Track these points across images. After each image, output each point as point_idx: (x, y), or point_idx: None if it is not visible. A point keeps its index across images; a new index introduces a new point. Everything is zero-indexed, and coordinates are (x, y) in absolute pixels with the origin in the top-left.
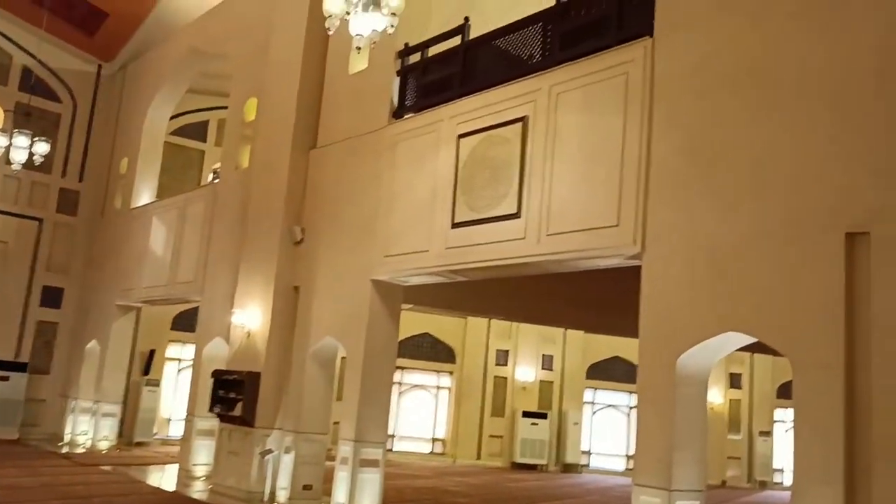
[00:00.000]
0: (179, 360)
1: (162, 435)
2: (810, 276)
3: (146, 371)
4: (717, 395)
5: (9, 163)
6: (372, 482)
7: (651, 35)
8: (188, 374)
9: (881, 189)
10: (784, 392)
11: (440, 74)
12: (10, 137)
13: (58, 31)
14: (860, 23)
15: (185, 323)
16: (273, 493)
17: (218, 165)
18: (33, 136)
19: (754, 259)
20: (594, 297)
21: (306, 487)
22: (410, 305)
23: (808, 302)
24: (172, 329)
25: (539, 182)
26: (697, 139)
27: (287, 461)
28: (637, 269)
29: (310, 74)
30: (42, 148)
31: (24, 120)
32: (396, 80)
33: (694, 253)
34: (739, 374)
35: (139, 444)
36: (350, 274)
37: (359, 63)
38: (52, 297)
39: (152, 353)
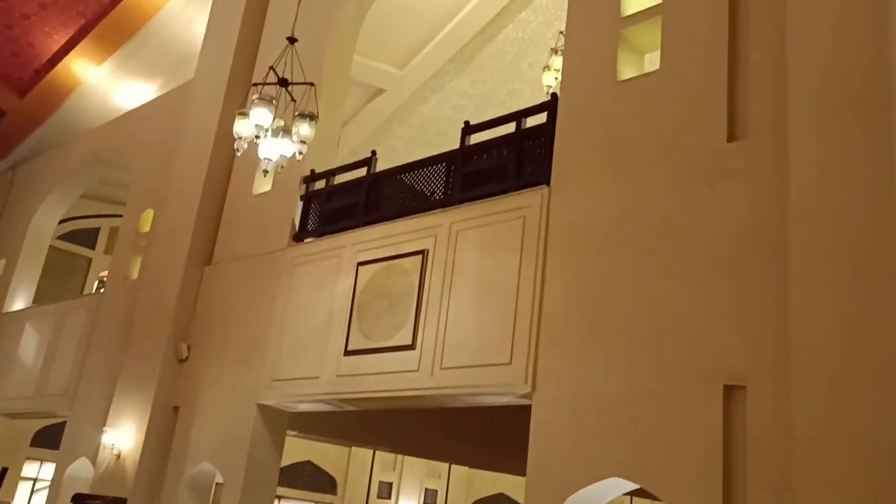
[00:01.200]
0: (36, 479)
1: None
2: (691, 426)
3: None
4: None
5: None
6: None
7: (548, 184)
8: (44, 496)
9: (756, 346)
10: None
11: (344, 202)
12: None
13: None
14: (737, 194)
15: (48, 440)
16: None
17: (105, 274)
18: None
19: (638, 408)
20: (482, 433)
21: None
22: (294, 432)
23: (689, 451)
24: (32, 445)
25: (435, 315)
26: (587, 288)
27: None
28: (528, 407)
29: (212, 190)
30: None
31: None
32: (300, 205)
33: (582, 397)
34: None
35: None
36: (235, 396)
37: (263, 184)
38: None
39: (4, 470)
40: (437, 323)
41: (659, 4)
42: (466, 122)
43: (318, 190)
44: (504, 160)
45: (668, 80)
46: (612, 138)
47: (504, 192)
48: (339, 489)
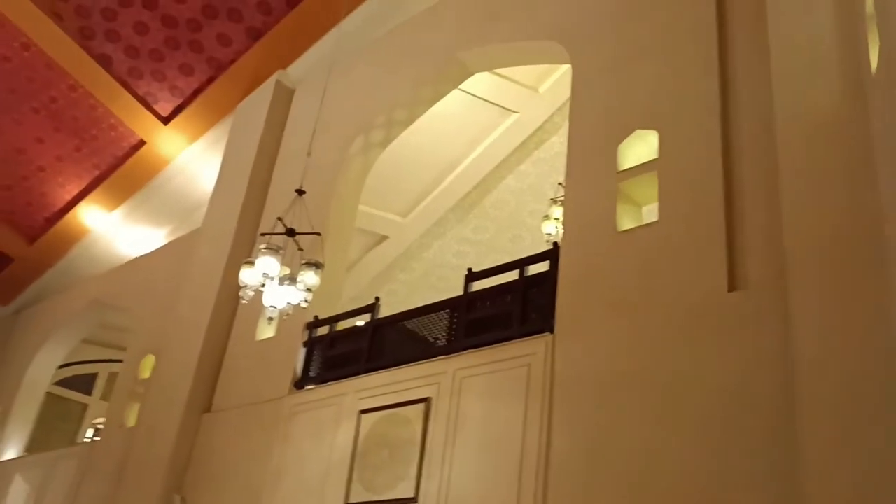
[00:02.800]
0: None
1: None
2: None
3: None
4: None
5: None
6: None
7: (552, 332)
8: None
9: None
10: None
11: (347, 348)
12: None
13: None
14: (739, 345)
15: None
16: None
17: (100, 420)
18: None
19: None
20: None
21: None
22: None
23: None
24: None
25: (438, 466)
26: (595, 439)
27: None
28: None
29: (214, 337)
30: None
31: None
32: (302, 351)
33: None
34: None
35: None
36: None
37: (266, 331)
38: None
39: None
40: (440, 475)
41: (655, 160)
42: (469, 270)
43: (321, 336)
44: (508, 307)
45: (667, 232)
46: (613, 287)
47: (508, 339)
48: None
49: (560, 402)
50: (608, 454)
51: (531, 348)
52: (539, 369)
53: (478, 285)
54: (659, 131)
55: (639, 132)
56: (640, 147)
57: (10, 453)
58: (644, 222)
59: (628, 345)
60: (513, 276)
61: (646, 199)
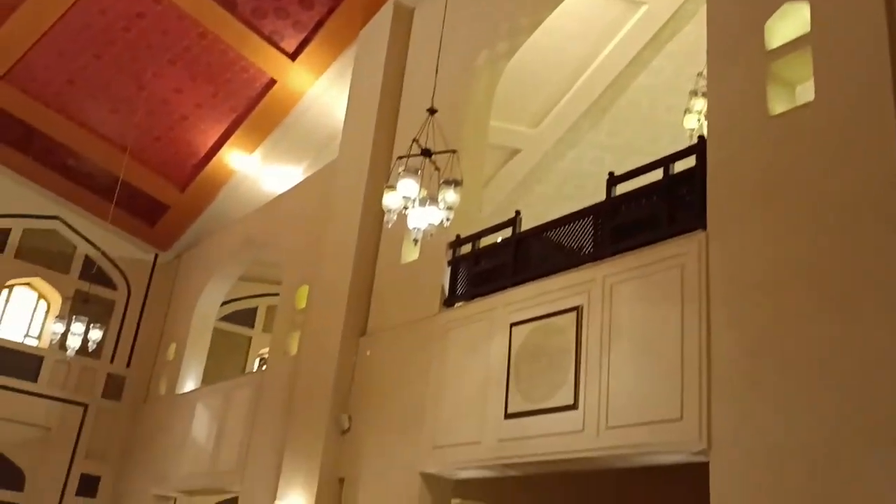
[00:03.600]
0: None
1: None
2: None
3: None
4: None
5: (62, 348)
6: None
7: (704, 229)
8: None
9: None
10: None
11: (492, 264)
12: (68, 324)
13: (121, 223)
14: None
15: None
16: None
17: (265, 351)
18: (89, 322)
19: (826, 459)
20: (646, 494)
21: None
22: (458, 500)
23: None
24: None
25: (596, 372)
26: (757, 335)
27: None
28: (697, 465)
29: (362, 263)
30: (96, 335)
31: (81, 306)
32: (448, 270)
33: (764, 451)
34: None
35: None
36: (397, 465)
37: (411, 253)
38: (88, 486)
39: None
40: (598, 380)
41: (808, 34)
42: (611, 174)
43: (465, 254)
44: (654, 208)
45: (825, 112)
46: (768, 177)
47: (657, 240)
48: None
49: (718, 301)
50: (775, 350)
51: (682, 248)
52: (693, 269)
53: (620, 190)
54: (810, 2)
55: (787, 6)
56: (790, 22)
57: (190, 385)
58: (799, 104)
59: (788, 237)
60: (656, 175)
61: (799, 77)
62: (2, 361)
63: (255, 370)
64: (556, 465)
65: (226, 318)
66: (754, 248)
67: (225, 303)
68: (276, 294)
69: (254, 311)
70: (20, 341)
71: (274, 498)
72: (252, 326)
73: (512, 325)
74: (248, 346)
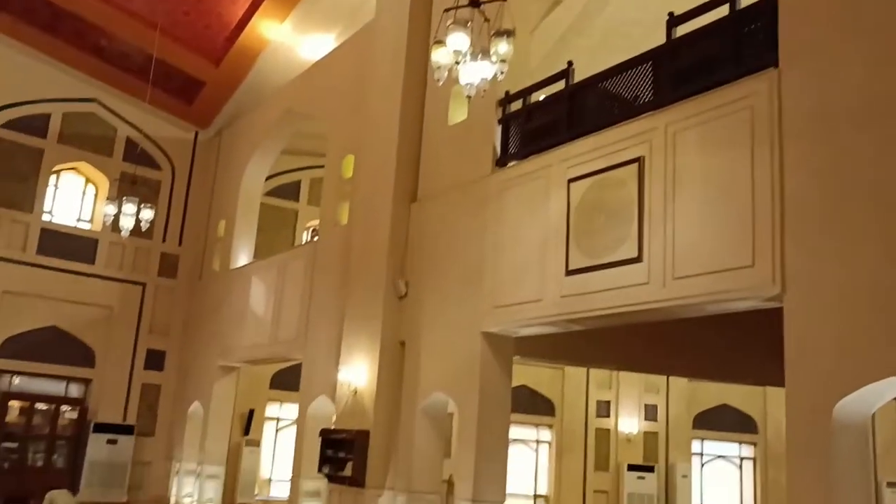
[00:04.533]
0: (278, 419)
1: (263, 496)
2: None
3: (246, 432)
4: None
5: (115, 230)
6: None
7: (776, 66)
8: (287, 433)
9: None
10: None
11: (545, 119)
12: (119, 205)
13: (158, 102)
14: None
15: (284, 382)
16: None
17: (312, 223)
18: (139, 203)
19: None
20: (709, 343)
21: None
22: (518, 357)
23: None
24: (271, 388)
25: (660, 224)
26: (835, 175)
27: None
28: (765, 311)
29: (408, 128)
30: (147, 214)
31: (129, 188)
32: (498, 129)
33: (840, 293)
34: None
35: None
36: (458, 327)
37: (458, 114)
38: (155, 360)
39: (251, 413)
40: (663, 232)
41: None
42: (671, 14)
43: (516, 111)
44: (718, 48)
45: None
46: (847, 5)
47: (723, 82)
48: (557, 411)
49: (792, 141)
50: (853, 190)
51: (752, 88)
52: (763, 109)
53: (680, 31)
54: None
55: None
56: None
57: (243, 260)
58: None
59: (869, 70)
60: (721, 12)
61: None
62: (59, 245)
63: (304, 242)
64: (621, 317)
65: (271, 193)
66: (831, 84)
67: (269, 177)
68: (320, 166)
69: (298, 184)
70: (74, 225)
71: (337, 363)
72: (297, 200)
73: (569, 181)
74: (295, 220)
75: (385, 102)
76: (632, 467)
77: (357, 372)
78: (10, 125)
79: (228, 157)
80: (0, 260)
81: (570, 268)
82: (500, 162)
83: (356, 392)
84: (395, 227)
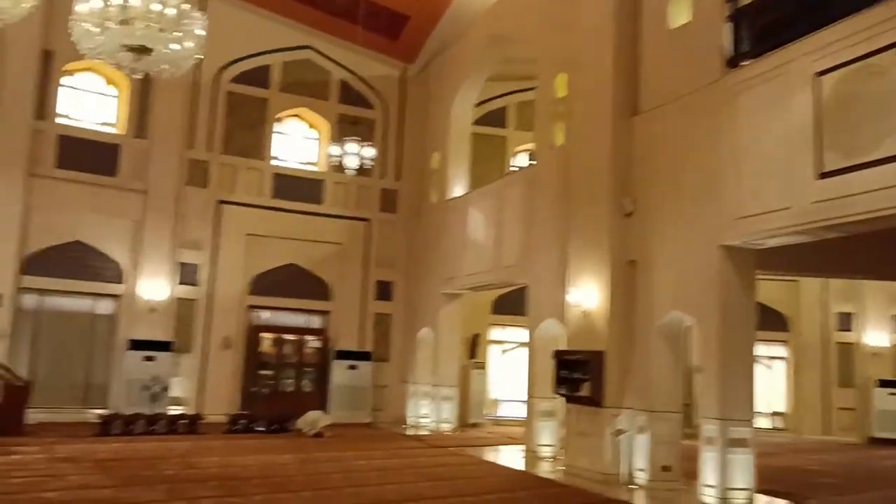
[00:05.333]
0: (501, 342)
1: (492, 415)
2: None
3: (472, 355)
4: None
5: (339, 170)
6: (742, 463)
7: None
8: (511, 356)
9: None
10: None
11: (783, 11)
12: (343, 146)
13: (367, 42)
14: None
15: (505, 306)
16: (630, 475)
17: (522, 148)
18: (361, 142)
19: None
20: None
21: (665, 469)
22: (758, 271)
23: None
24: (493, 313)
25: None
26: None
27: (642, 441)
28: None
29: (624, 38)
30: (370, 153)
31: (349, 129)
32: (727, 27)
33: None
34: None
35: (473, 426)
36: (693, 242)
37: (680, 16)
38: (384, 291)
39: (475, 337)
40: None
41: None
42: None
43: (746, 5)
44: None
45: None
46: None
47: None
48: (791, 325)
49: None
50: None
51: None
52: None
53: None
54: None
55: None
56: None
57: (458, 190)
58: None
59: None
60: None
61: None
62: (290, 188)
63: (516, 168)
64: (886, 221)
65: (478, 122)
66: None
67: (477, 105)
68: (528, 89)
69: (503, 110)
70: (301, 168)
71: (563, 286)
72: (505, 126)
73: (817, 74)
74: (504, 147)
75: (597, 13)
76: (883, 383)
77: (586, 293)
78: (238, 79)
79: (437, 90)
80: (242, 205)
81: (824, 170)
82: (732, 63)
83: (586, 313)
84: (617, 142)
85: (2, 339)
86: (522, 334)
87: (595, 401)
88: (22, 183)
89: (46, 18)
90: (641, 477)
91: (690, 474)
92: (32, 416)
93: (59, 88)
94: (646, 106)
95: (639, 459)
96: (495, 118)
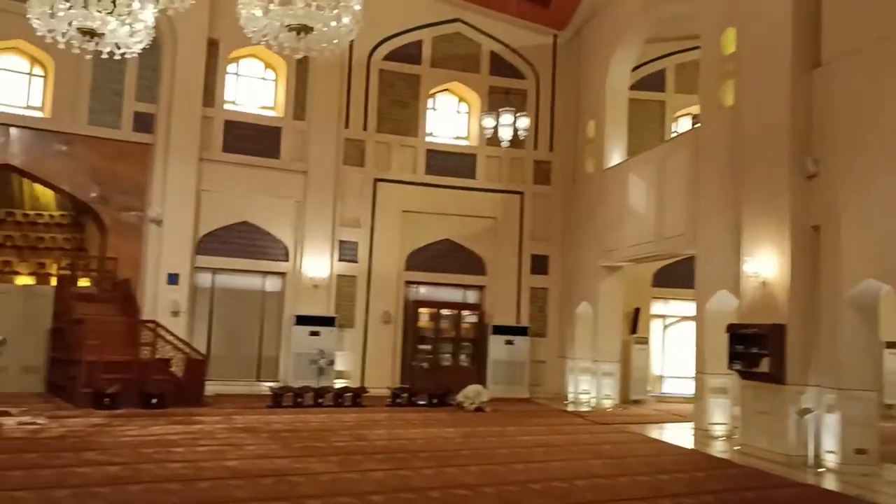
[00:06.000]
0: (664, 316)
1: (655, 392)
2: None
3: (633, 330)
4: None
5: (492, 143)
6: None
7: None
8: (675, 330)
9: None
10: None
11: None
12: (497, 117)
13: (517, 11)
14: None
15: (666, 279)
16: (818, 458)
17: (683, 112)
18: (515, 112)
19: None
20: None
21: (859, 452)
22: None
23: None
24: (653, 286)
25: None
26: None
27: (830, 422)
28: None
29: None
30: (524, 123)
31: (502, 100)
32: None
33: None
34: None
35: (635, 403)
36: (888, 206)
37: None
38: (539, 265)
39: (637, 311)
40: None
41: None
42: None
43: None
44: None
45: None
46: None
47: None
48: None
49: None
50: None
51: None
52: None
53: None
54: None
55: None
56: None
57: (616, 159)
58: None
59: None
60: None
61: None
62: (443, 164)
63: (676, 134)
64: None
65: (633, 87)
66: None
67: (633, 69)
68: (688, 49)
69: (661, 73)
70: (453, 143)
71: (735, 255)
72: (663, 90)
73: None
74: (663, 111)
75: None
76: None
77: (764, 262)
78: (390, 56)
79: (590, 56)
80: (397, 182)
81: None
82: None
83: (764, 284)
84: (796, 98)
85: (180, 315)
86: (686, 308)
87: (776, 378)
88: (195, 168)
89: (212, 8)
90: (831, 460)
91: (889, 457)
92: (209, 388)
93: (225, 76)
94: (829, 57)
95: (828, 441)
96: (652, 82)
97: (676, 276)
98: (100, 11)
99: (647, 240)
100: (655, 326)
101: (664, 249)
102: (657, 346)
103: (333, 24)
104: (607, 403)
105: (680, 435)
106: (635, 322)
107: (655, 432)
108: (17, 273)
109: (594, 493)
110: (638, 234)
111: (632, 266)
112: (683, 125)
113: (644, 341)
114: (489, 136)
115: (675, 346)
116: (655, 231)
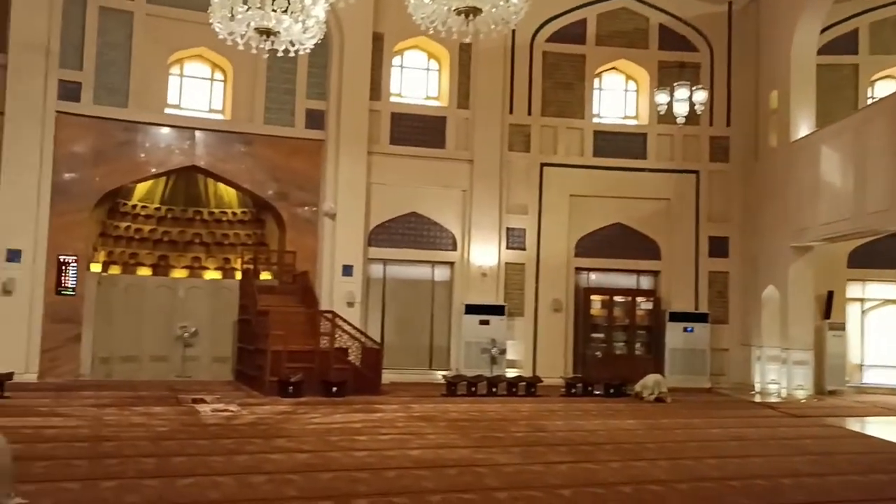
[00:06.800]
0: (862, 300)
1: (854, 383)
2: None
3: (826, 315)
4: None
5: (665, 120)
6: None
7: None
8: (875, 315)
9: None
10: None
11: None
12: (672, 93)
13: None
14: None
15: (864, 259)
16: None
17: (882, 74)
18: (691, 86)
19: None
20: None
21: None
22: None
23: None
24: (849, 267)
25: None
26: None
27: None
28: None
29: None
30: (701, 96)
31: (675, 74)
32: None
33: None
34: None
35: (832, 394)
36: None
37: None
38: (718, 247)
39: (830, 294)
40: None
41: None
42: None
43: None
44: None
45: None
46: None
47: None
48: None
49: None
50: None
51: None
52: None
53: None
54: None
55: None
56: None
57: (804, 130)
58: None
59: None
60: None
61: None
62: (611, 145)
63: (874, 99)
64: None
65: (820, 51)
66: None
67: (821, 31)
68: (886, 5)
69: (854, 34)
70: (622, 123)
71: None
72: (856, 52)
73: None
74: (856, 75)
75: None
76: None
77: None
78: (553, 38)
79: (772, 20)
80: (564, 166)
81: None
82: None
83: None
84: None
85: (355, 306)
86: (889, 290)
87: None
88: (364, 161)
89: (376, 2)
90: None
91: None
92: (384, 376)
93: (391, 69)
94: None
95: None
96: (843, 44)
97: (876, 256)
98: (275, 10)
99: (843, 217)
100: (852, 311)
101: (864, 226)
102: (854, 333)
103: (502, 3)
104: (800, 394)
105: (891, 430)
106: (829, 306)
107: (861, 426)
108: (206, 268)
109: (804, 494)
110: (832, 210)
111: (823, 246)
112: (882, 89)
113: (840, 327)
114: (661, 112)
115: (876, 333)
116: (853, 207)
